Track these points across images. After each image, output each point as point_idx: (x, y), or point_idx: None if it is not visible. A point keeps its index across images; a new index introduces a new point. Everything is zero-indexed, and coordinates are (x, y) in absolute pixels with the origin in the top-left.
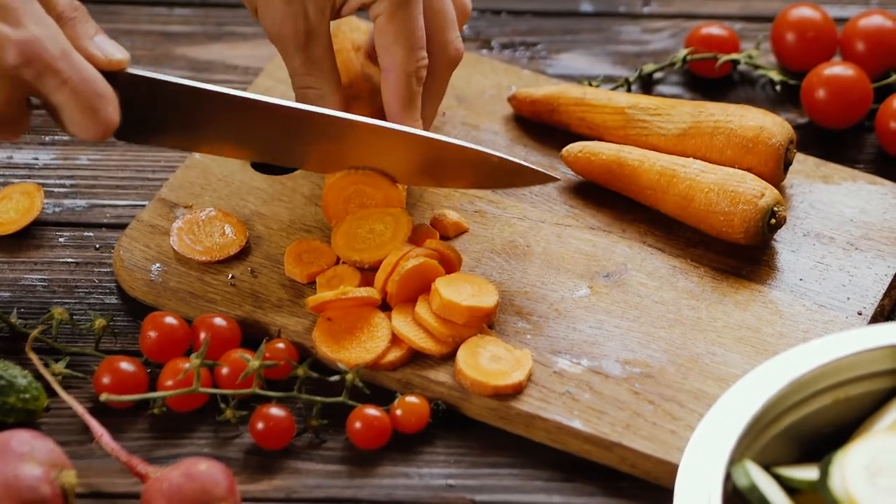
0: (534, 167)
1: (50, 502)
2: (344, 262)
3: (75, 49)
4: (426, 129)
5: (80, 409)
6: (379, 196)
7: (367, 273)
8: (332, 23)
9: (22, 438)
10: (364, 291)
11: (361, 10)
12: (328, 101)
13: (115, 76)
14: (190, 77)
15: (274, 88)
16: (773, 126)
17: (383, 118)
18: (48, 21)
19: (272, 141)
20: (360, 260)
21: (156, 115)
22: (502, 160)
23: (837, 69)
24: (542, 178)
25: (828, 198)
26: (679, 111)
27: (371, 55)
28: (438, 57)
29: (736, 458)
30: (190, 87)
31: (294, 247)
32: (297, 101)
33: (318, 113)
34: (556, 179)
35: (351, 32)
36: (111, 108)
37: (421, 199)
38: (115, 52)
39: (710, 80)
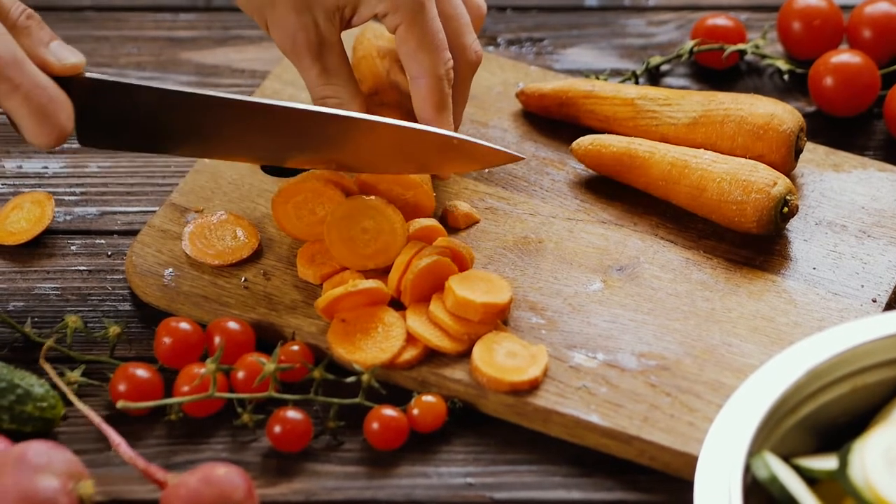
0: (496, 147)
1: None
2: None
3: (30, 57)
4: (455, 131)
5: (96, 418)
6: (325, 195)
7: (373, 276)
8: (355, 30)
9: (38, 450)
10: (372, 283)
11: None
12: (347, 109)
13: (73, 81)
14: (197, 81)
15: (282, 91)
16: (783, 113)
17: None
18: None
19: (233, 137)
20: (375, 266)
21: (120, 118)
22: (462, 141)
23: (844, 57)
24: (506, 158)
25: (839, 186)
26: (689, 100)
27: (401, 63)
28: (458, 62)
29: (755, 450)
30: (149, 88)
31: (306, 248)
32: None
33: (265, 104)
34: (521, 158)
35: (376, 40)
36: (64, 115)
37: None
38: (69, 56)
39: (718, 72)
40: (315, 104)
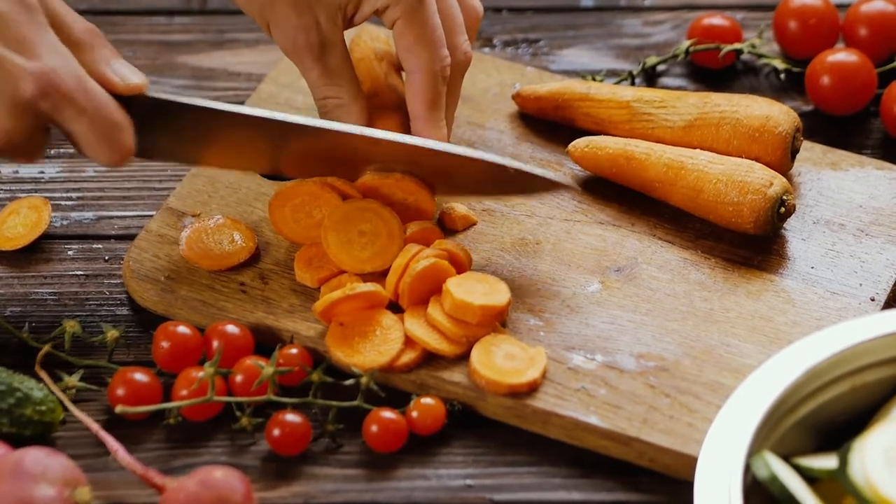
0: (550, 176)
1: None
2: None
3: (92, 75)
4: (447, 132)
5: (94, 425)
6: (322, 198)
7: (370, 279)
8: (352, 32)
9: (35, 458)
10: (370, 286)
11: (376, 17)
12: (349, 110)
13: (133, 99)
14: (193, 85)
15: (278, 94)
16: (779, 115)
17: (408, 127)
18: (63, 50)
19: (288, 155)
20: (373, 269)
21: (175, 133)
22: (518, 171)
23: (841, 55)
24: (554, 186)
25: (836, 184)
26: (684, 103)
27: (399, 65)
28: None
29: (754, 450)
30: (210, 109)
31: (304, 252)
32: (319, 112)
33: (334, 129)
34: (569, 187)
35: (372, 42)
36: (126, 136)
37: None
38: (132, 76)
39: (714, 71)
40: (316, 104)
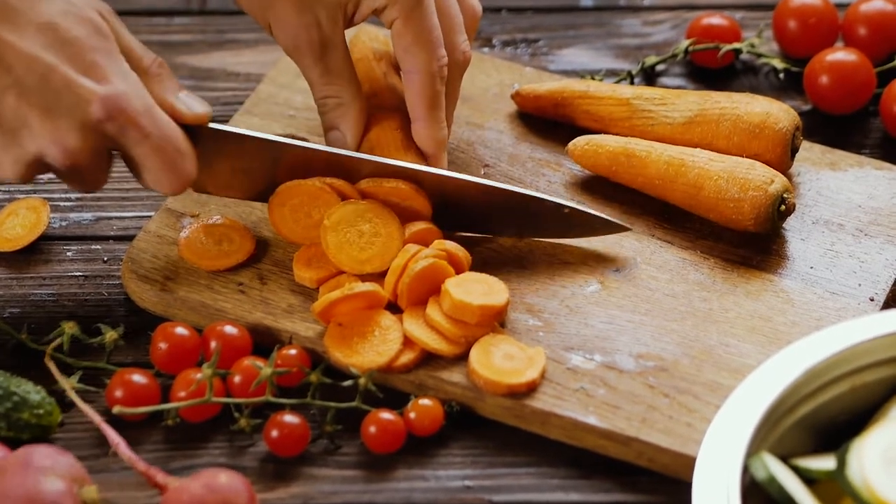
0: (606, 217)
1: None
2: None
3: (159, 104)
4: (447, 132)
5: (97, 418)
6: (322, 199)
7: (369, 279)
8: (350, 32)
9: (44, 453)
10: (369, 287)
11: (375, 17)
12: (349, 110)
13: (196, 130)
14: (193, 85)
15: (277, 94)
16: (779, 112)
17: (409, 127)
18: (132, 77)
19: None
20: (373, 270)
21: (235, 167)
22: (572, 210)
23: (840, 55)
24: (613, 229)
25: (835, 184)
26: (684, 100)
27: (398, 65)
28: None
29: (753, 450)
30: (272, 141)
31: (302, 252)
32: (319, 112)
33: (410, 168)
34: (628, 229)
35: (370, 42)
36: (189, 164)
37: None
38: (198, 106)
39: (713, 71)
40: (316, 103)
